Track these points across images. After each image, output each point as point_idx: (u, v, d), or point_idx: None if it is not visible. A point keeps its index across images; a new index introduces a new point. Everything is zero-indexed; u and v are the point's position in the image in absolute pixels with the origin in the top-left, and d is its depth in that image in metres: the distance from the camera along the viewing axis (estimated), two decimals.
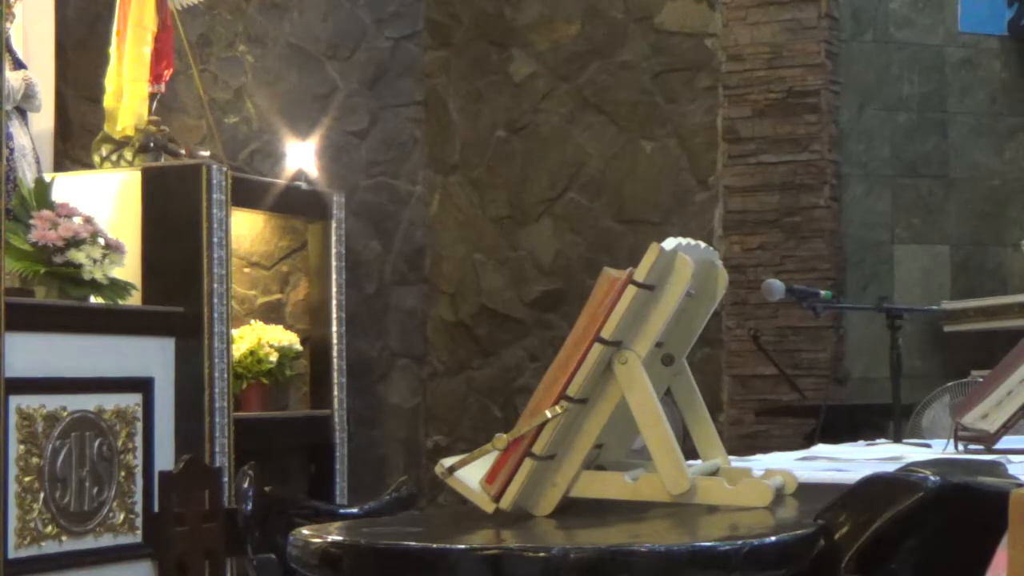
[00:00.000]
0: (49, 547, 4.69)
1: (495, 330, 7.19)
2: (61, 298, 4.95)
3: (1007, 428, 2.77)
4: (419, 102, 7.34)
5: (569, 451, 1.79)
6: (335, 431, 6.23)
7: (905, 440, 3.46)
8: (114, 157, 5.74)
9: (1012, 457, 2.43)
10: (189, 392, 5.33)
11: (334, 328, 6.31)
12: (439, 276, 7.30)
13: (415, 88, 7.33)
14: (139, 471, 5.08)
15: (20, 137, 5.46)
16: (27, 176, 5.37)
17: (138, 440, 5.09)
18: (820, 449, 3.10)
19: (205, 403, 5.36)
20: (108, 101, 5.81)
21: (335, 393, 6.27)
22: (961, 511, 1.56)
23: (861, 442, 3.34)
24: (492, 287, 7.20)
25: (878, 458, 2.68)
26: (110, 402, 4.98)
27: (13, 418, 4.56)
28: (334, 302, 6.32)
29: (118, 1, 5.79)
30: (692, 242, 1.87)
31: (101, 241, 5.04)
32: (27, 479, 4.61)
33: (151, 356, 5.22)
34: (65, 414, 4.79)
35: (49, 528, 4.69)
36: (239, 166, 6.45)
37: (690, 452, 1.95)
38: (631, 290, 1.74)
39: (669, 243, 1.79)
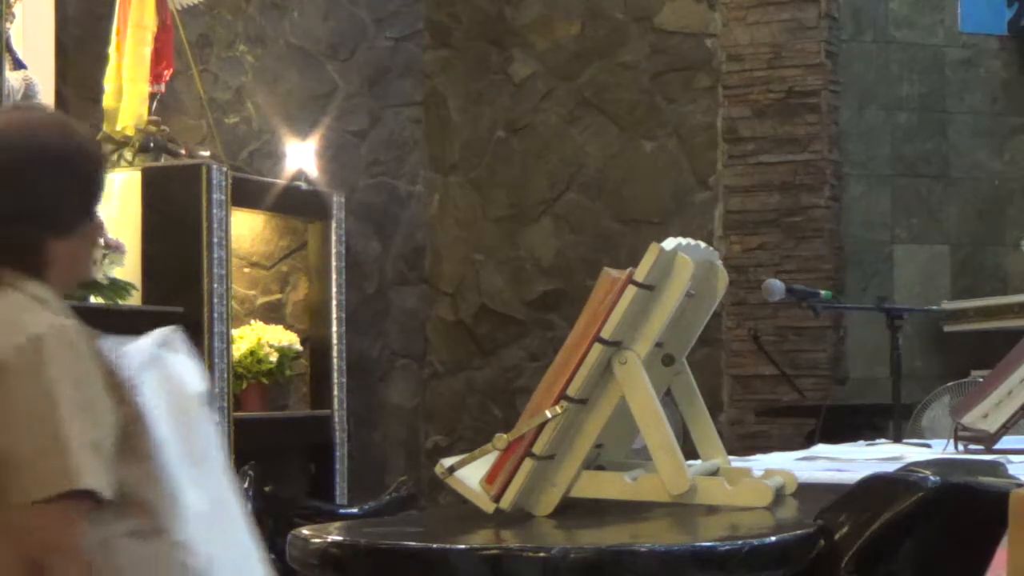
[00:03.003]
0: None
1: (495, 330, 7.20)
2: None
3: (1007, 428, 2.76)
4: (419, 102, 7.34)
5: (569, 451, 1.79)
6: (335, 431, 6.22)
7: (905, 440, 3.46)
8: (114, 157, 5.74)
9: (1012, 457, 2.43)
10: None
11: (334, 328, 6.30)
12: (439, 276, 7.30)
13: (415, 88, 7.33)
14: None
15: None
16: None
17: None
18: (820, 449, 3.10)
19: None
20: (108, 101, 5.81)
21: (335, 393, 6.27)
22: (961, 511, 1.56)
23: (861, 442, 3.34)
24: (492, 287, 7.20)
25: (878, 458, 2.68)
26: None
27: None
28: (334, 302, 6.32)
29: (118, 1, 5.78)
30: (692, 242, 1.87)
31: (101, 241, 5.04)
32: None
33: None
34: None
35: None
36: (239, 166, 6.45)
37: (690, 452, 1.95)
38: (631, 290, 1.74)
39: (669, 243, 1.79)
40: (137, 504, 2.17)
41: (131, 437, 2.19)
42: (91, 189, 2.31)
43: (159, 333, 2.50)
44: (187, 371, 2.46)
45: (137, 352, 2.42)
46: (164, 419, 2.36)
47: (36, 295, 2.21)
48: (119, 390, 2.19)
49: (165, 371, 2.43)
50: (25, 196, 2.21)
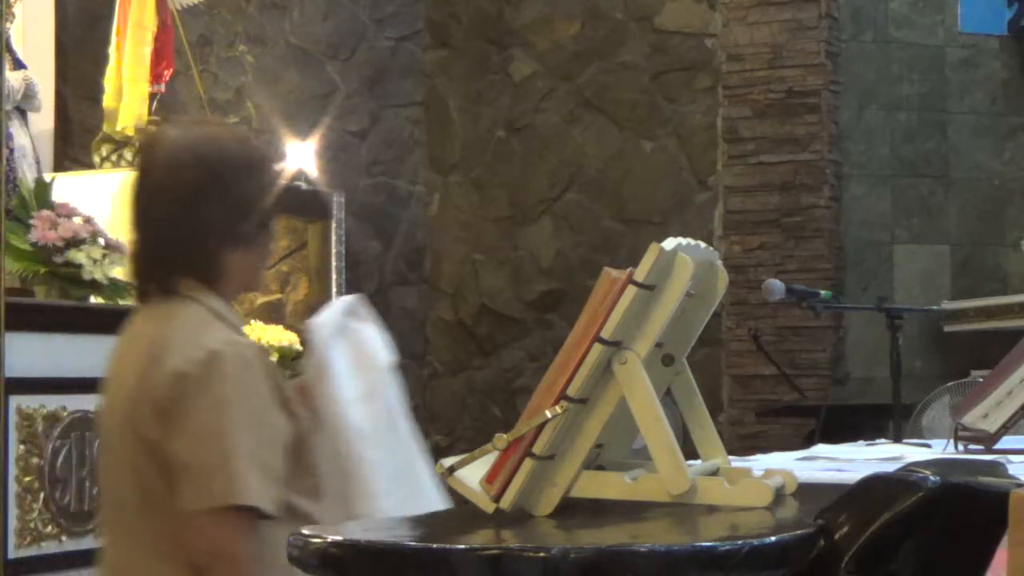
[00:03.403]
0: (49, 547, 4.69)
1: (495, 330, 7.19)
2: (61, 298, 4.94)
3: (1007, 428, 2.76)
4: (419, 102, 7.34)
5: (569, 451, 1.79)
6: None
7: (905, 440, 3.46)
8: (114, 157, 5.74)
9: (1012, 457, 2.43)
10: None
11: None
12: (439, 276, 7.30)
13: (415, 88, 7.33)
14: None
15: (20, 137, 5.46)
16: (27, 176, 5.37)
17: None
18: (820, 449, 3.10)
19: None
20: (108, 101, 5.81)
21: None
22: (961, 511, 1.56)
23: (861, 442, 3.33)
24: (492, 287, 7.20)
25: (878, 458, 2.68)
26: None
27: (13, 418, 4.56)
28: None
29: (118, 1, 5.78)
30: (692, 242, 1.86)
31: (101, 241, 5.03)
32: (27, 479, 4.61)
33: None
34: (65, 414, 4.79)
35: (49, 528, 4.69)
36: None
37: (690, 452, 1.95)
38: (631, 290, 1.73)
39: (669, 243, 1.78)
40: (303, 514, 2.24)
41: (300, 453, 2.26)
42: (268, 201, 2.40)
43: (345, 302, 2.51)
44: (374, 340, 2.46)
45: (325, 322, 2.43)
46: (352, 388, 2.37)
47: (214, 309, 2.29)
48: (289, 406, 2.26)
49: (353, 340, 2.43)
50: (205, 210, 2.29)
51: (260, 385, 2.20)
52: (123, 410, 2.23)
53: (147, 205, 2.37)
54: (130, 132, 5.74)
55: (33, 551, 4.63)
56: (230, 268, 2.31)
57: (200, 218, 2.29)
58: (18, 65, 5.55)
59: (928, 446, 3.16)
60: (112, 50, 5.81)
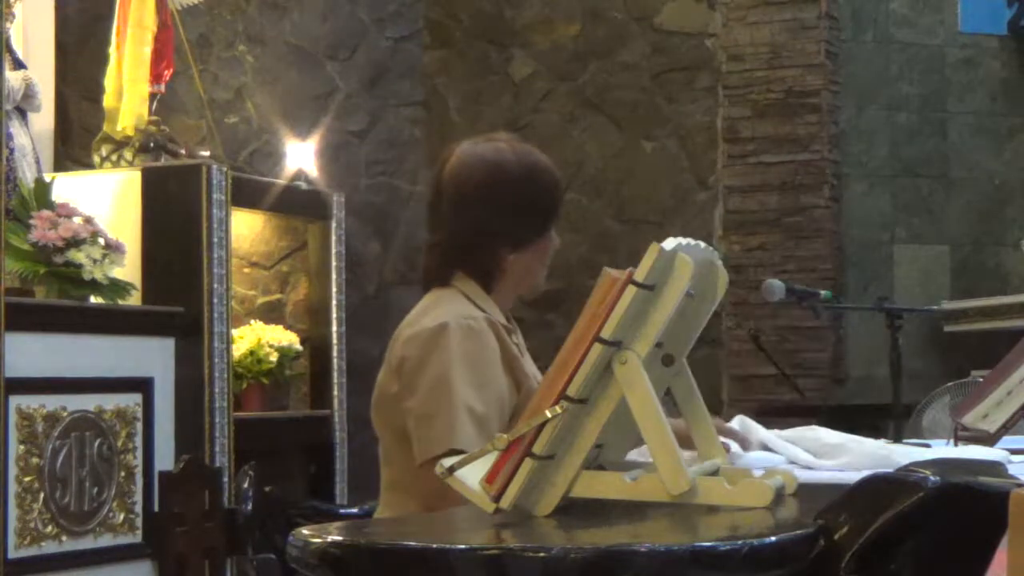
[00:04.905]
0: (49, 547, 4.69)
1: None
2: (61, 298, 4.95)
3: (1007, 428, 2.76)
4: (419, 102, 7.34)
5: (569, 451, 1.79)
6: (335, 431, 6.22)
7: (905, 440, 3.45)
8: (114, 157, 5.74)
9: (1012, 457, 2.43)
10: (189, 392, 5.33)
11: (334, 328, 6.30)
12: None
13: (415, 88, 7.33)
14: (139, 471, 5.08)
15: (20, 137, 5.46)
16: (27, 176, 5.37)
17: (138, 440, 5.09)
18: None
19: (205, 403, 5.36)
20: (108, 101, 5.81)
21: (335, 393, 6.26)
22: (961, 511, 1.56)
23: None
24: None
25: None
26: (110, 402, 4.98)
27: (13, 418, 4.56)
28: (334, 302, 6.32)
29: (118, 1, 5.79)
30: (692, 242, 1.86)
31: (101, 241, 5.04)
32: (27, 479, 4.61)
33: (151, 356, 5.22)
34: (65, 414, 4.79)
35: (49, 528, 4.69)
36: (239, 166, 6.45)
37: None
38: (631, 290, 1.73)
39: (669, 243, 1.78)
40: None
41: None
42: (548, 210, 2.66)
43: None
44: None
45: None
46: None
47: (467, 292, 2.60)
48: (518, 373, 2.57)
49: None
50: (488, 217, 2.58)
51: (483, 351, 2.49)
52: (379, 381, 2.63)
53: (436, 209, 2.64)
54: (130, 132, 5.74)
55: (33, 551, 4.63)
56: (507, 269, 2.61)
57: (478, 222, 2.57)
58: (18, 65, 5.55)
59: (928, 446, 3.16)
60: (112, 50, 5.81)
